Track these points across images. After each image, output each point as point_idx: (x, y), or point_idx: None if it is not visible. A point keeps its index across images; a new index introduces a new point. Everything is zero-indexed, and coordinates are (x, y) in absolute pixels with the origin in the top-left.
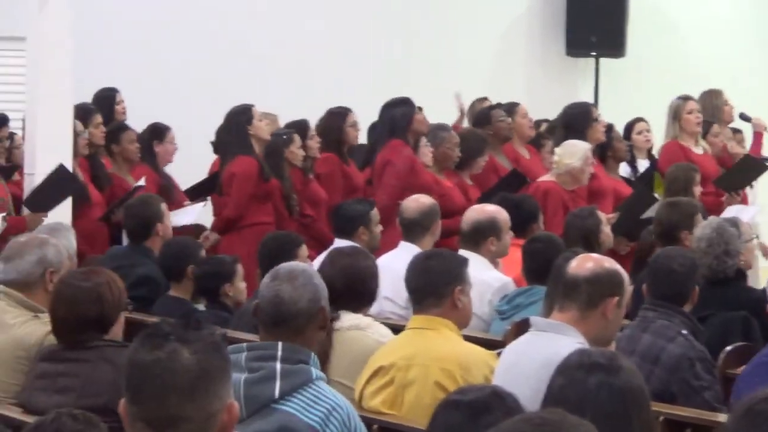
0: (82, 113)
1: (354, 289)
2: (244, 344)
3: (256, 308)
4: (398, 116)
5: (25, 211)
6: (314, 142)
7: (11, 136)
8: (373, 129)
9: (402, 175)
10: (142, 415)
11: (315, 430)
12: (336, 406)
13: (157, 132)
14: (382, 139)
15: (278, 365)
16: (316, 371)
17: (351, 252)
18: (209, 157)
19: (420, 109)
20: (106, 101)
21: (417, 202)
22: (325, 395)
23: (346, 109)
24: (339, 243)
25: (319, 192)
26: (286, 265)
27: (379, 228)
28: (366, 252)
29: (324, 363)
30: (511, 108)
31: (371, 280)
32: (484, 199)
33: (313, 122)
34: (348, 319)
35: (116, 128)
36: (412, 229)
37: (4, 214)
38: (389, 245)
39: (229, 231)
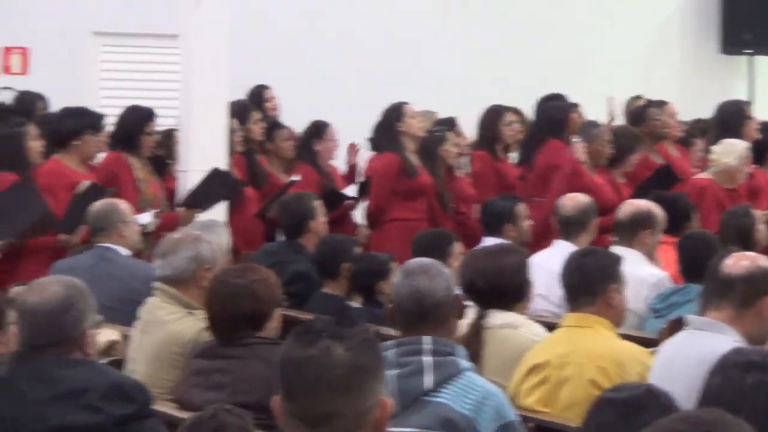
0: (239, 110)
1: (497, 287)
2: (393, 341)
3: (393, 308)
4: (555, 114)
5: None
6: (461, 139)
7: (170, 132)
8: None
9: (567, 179)
10: (296, 412)
11: (469, 418)
12: (488, 394)
13: (318, 129)
14: (538, 135)
15: (428, 358)
16: (463, 361)
17: (493, 250)
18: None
19: (576, 106)
20: (258, 98)
21: (574, 200)
22: (476, 384)
23: (504, 107)
24: (488, 240)
25: (467, 189)
26: (415, 261)
27: (527, 223)
28: (509, 249)
29: (475, 362)
30: (659, 106)
31: (515, 276)
32: (637, 195)
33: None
34: (499, 317)
35: (270, 126)
36: (569, 227)
37: (157, 210)
38: None
39: (374, 226)
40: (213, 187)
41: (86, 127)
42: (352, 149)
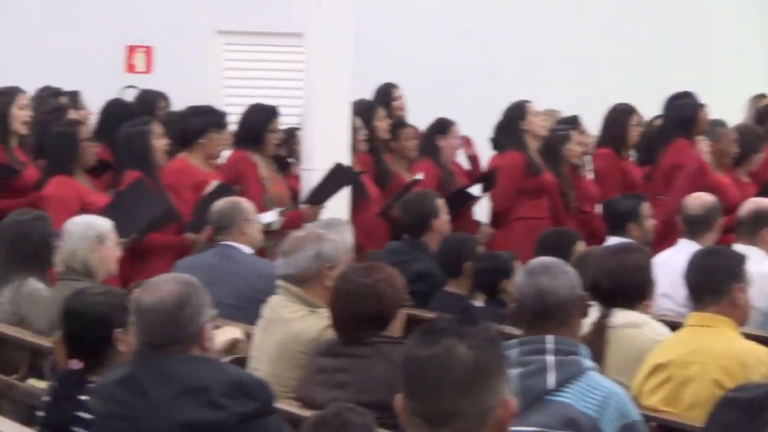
0: (364, 108)
1: (621, 286)
2: (516, 340)
3: (515, 307)
4: (684, 112)
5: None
6: (585, 138)
7: (291, 131)
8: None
9: (692, 178)
10: (419, 410)
11: (591, 418)
12: (611, 393)
13: (442, 126)
14: (665, 134)
15: (551, 357)
16: (586, 361)
17: (617, 249)
18: (489, 153)
19: (703, 106)
20: (385, 96)
21: (700, 199)
22: (598, 383)
23: (631, 107)
24: (611, 239)
25: (591, 188)
26: (538, 260)
27: (650, 222)
28: (633, 248)
29: (598, 361)
30: None
31: (639, 276)
32: (761, 194)
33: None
34: (622, 316)
35: (395, 124)
36: (694, 226)
37: (281, 208)
38: None
39: (498, 225)
40: (335, 183)
41: (211, 125)
42: (467, 142)
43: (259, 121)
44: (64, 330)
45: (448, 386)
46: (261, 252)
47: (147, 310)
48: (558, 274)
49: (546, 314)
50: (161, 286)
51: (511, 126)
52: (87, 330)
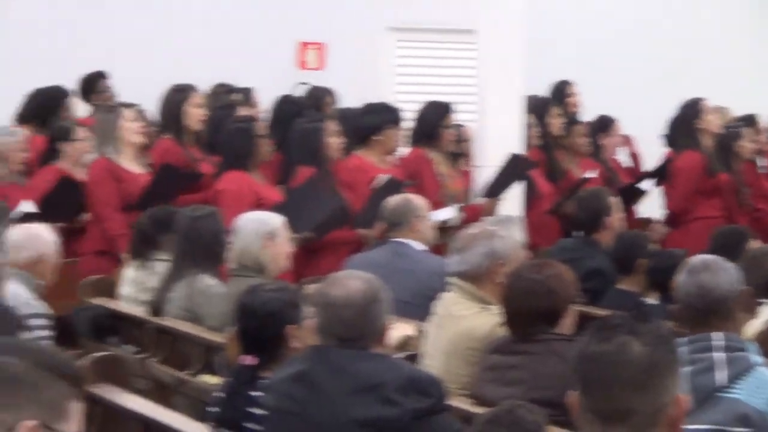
0: (537, 105)
1: None
2: (685, 338)
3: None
4: None
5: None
6: (762, 137)
7: (460, 127)
8: None
9: None
10: (592, 407)
11: (762, 413)
12: None
13: (604, 124)
14: None
15: (720, 354)
16: (754, 357)
17: None
18: (661, 149)
19: None
20: (560, 93)
21: None
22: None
23: None
24: None
25: (765, 185)
26: (697, 257)
27: None
28: None
29: None
30: None
31: None
32: None
33: None
34: None
35: (569, 121)
36: None
37: (459, 204)
38: None
39: (675, 225)
40: (511, 174)
41: (387, 122)
42: (628, 140)
43: (434, 117)
44: (237, 326)
45: (621, 383)
46: (438, 248)
47: (336, 306)
48: (718, 271)
49: (708, 311)
50: (348, 282)
51: (687, 124)
52: (260, 326)
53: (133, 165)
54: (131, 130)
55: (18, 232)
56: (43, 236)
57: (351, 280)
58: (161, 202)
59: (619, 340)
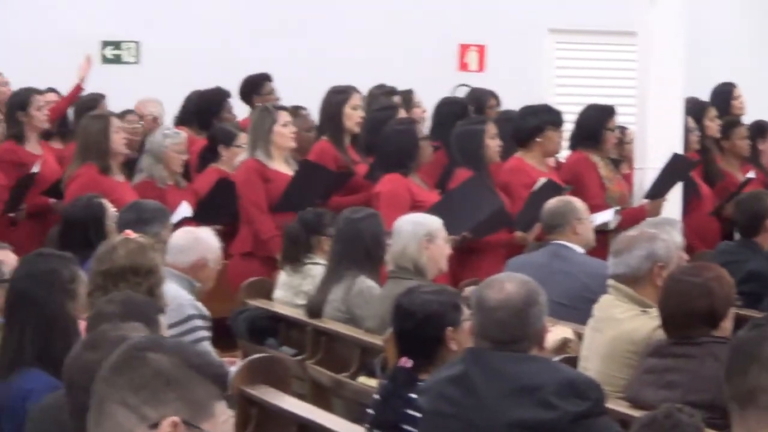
0: (695, 107)
1: None
2: None
3: None
4: None
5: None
6: None
7: (622, 130)
8: None
9: None
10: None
11: None
12: None
13: (760, 129)
14: None
15: None
16: None
17: None
18: None
19: None
20: (723, 96)
21: None
22: None
23: None
24: None
25: None
26: None
27: None
28: None
29: None
30: None
31: None
32: None
33: None
34: None
35: (728, 124)
36: None
37: (617, 207)
38: None
39: None
40: (674, 174)
41: (547, 123)
42: None
43: (597, 120)
44: (395, 328)
45: (759, 364)
46: (595, 251)
47: (494, 308)
48: None
49: None
50: (505, 285)
51: None
52: (418, 328)
53: (283, 167)
54: (284, 134)
55: (182, 236)
56: (208, 240)
57: (508, 283)
58: (308, 202)
59: (763, 330)
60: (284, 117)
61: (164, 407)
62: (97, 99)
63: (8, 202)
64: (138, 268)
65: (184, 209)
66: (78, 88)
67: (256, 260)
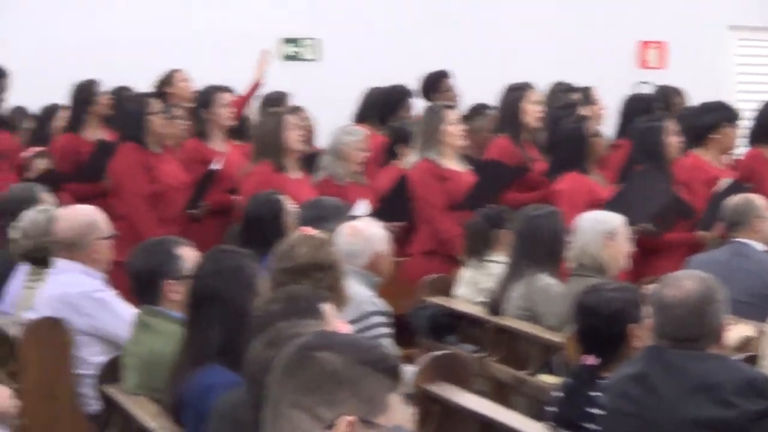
0: None
1: None
2: None
3: None
4: None
5: None
6: None
7: None
8: None
9: None
10: None
11: None
12: None
13: None
14: None
15: None
16: None
17: None
18: None
19: None
20: None
21: None
22: None
23: None
24: None
25: None
26: None
27: None
28: None
29: None
30: None
31: None
32: None
33: None
34: None
35: None
36: None
37: None
38: None
39: None
40: None
41: (724, 120)
42: None
43: None
44: (578, 325)
45: None
46: None
47: (671, 306)
48: None
49: None
50: (684, 282)
51: None
52: (602, 326)
53: (455, 164)
54: (453, 133)
55: (350, 240)
56: (375, 234)
57: (687, 281)
58: (489, 199)
59: None
60: (452, 115)
61: (339, 407)
62: (281, 96)
63: (190, 199)
64: (320, 264)
65: (363, 207)
66: (256, 85)
67: (437, 258)
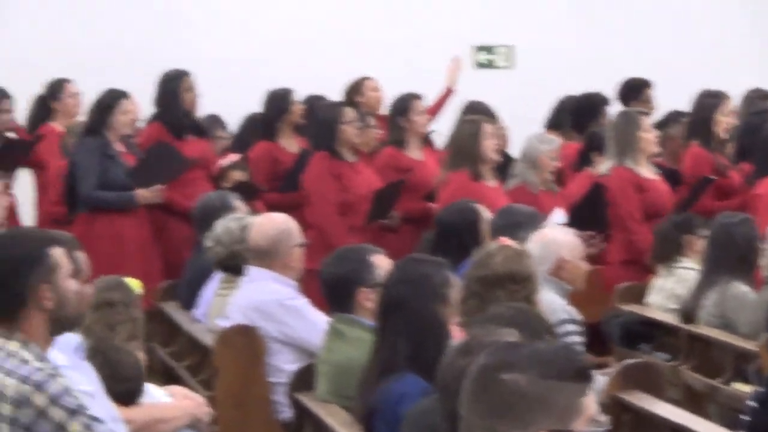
0: None
1: None
2: None
3: None
4: None
5: None
6: None
7: None
8: None
9: None
10: None
11: None
12: None
13: None
14: None
15: None
16: None
17: None
18: None
19: None
20: None
21: None
22: None
23: None
24: None
25: None
26: None
27: None
28: None
29: None
30: None
31: None
32: None
33: None
34: None
35: None
36: None
37: None
38: None
39: None
40: None
41: None
42: None
43: None
44: None
45: None
46: None
47: None
48: None
49: None
50: None
51: None
52: None
53: (649, 172)
54: (648, 139)
55: (536, 243)
56: (557, 239)
57: None
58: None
59: None
60: (647, 122)
61: (533, 426)
62: (480, 104)
63: (371, 211)
64: (516, 275)
65: (558, 215)
66: (448, 92)
67: (633, 267)
